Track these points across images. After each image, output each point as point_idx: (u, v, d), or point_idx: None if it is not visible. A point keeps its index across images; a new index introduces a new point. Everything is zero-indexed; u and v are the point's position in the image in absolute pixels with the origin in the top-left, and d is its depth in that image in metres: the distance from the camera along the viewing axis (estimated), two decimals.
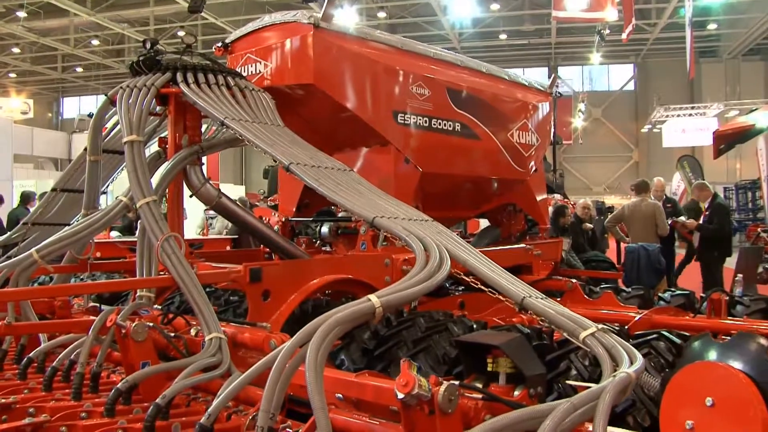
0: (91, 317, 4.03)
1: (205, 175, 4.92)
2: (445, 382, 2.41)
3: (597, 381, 3.23)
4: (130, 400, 3.35)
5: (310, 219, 6.26)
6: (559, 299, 6.59)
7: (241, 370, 3.44)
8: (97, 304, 5.26)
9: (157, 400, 3.05)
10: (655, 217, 10.37)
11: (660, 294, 7.02)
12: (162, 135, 5.14)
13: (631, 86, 47.27)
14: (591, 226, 12.21)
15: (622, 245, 11.62)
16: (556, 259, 7.98)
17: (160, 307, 4.50)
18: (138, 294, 4.16)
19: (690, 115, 36.50)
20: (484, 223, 9.87)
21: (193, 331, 3.94)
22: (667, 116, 37.18)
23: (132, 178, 4.19)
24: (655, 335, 3.87)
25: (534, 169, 7.72)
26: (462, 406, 2.46)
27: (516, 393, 2.80)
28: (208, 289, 4.53)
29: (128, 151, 4.26)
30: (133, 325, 3.56)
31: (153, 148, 5.14)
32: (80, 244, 4.79)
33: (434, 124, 6.18)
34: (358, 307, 2.66)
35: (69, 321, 4.29)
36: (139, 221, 14.73)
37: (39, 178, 32.29)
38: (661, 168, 36.37)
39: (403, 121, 5.89)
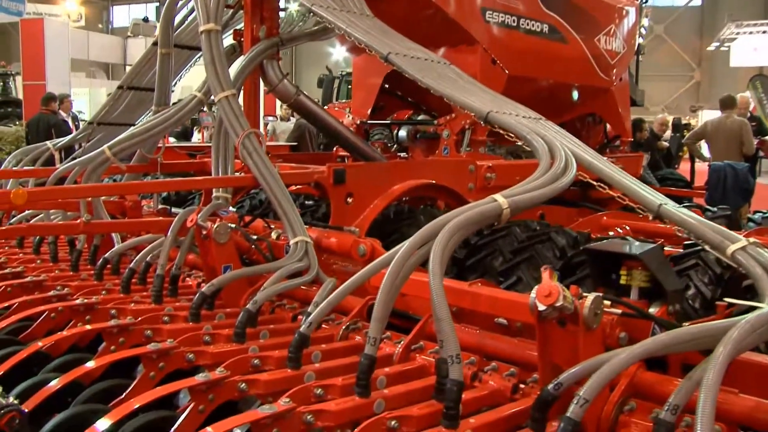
0: (169, 218, 3.80)
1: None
2: (588, 294, 2.11)
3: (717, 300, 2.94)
4: (213, 306, 3.13)
5: (386, 122, 5.92)
6: (641, 216, 6.23)
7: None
8: (168, 207, 5.06)
9: (248, 306, 2.83)
10: (741, 135, 9.76)
11: (749, 215, 6.62)
12: (237, 27, 4.80)
13: (697, 1, 45.10)
14: (667, 144, 11.64)
15: (699, 164, 11.07)
16: (636, 174, 7.55)
17: (234, 209, 4.26)
18: (214, 195, 3.88)
19: (764, 32, 34.61)
20: None
21: (273, 235, 3.69)
22: (737, 33, 35.36)
23: (209, 70, 3.88)
24: None
25: (619, 78, 7.24)
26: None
27: (652, 310, 2.49)
28: None
29: (205, 41, 3.94)
30: (215, 226, 3.32)
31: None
32: (152, 142, 4.57)
33: (522, 25, 5.73)
34: (483, 207, 2.35)
35: (147, 221, 4.09)
36: (195, 128, 14.56)
37: (92, 86, 32.34)
38: (726, 89, 34.57)
39: (491, 19, 5.45)
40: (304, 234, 3.39)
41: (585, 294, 2.11)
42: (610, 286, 2.63)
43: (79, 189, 3.71)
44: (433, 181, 4.66)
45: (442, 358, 2.17)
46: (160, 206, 5.02)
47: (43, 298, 3.26)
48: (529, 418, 2.04)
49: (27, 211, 4.44)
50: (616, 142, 7.83)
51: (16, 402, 2.25)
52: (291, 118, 16.12)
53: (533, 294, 2.09)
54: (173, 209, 4.96)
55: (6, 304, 3.26)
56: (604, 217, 5.52)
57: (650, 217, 2.79)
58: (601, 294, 2.12)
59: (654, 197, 2.74)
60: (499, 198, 2.39)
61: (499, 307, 2.50)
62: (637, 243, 2.70)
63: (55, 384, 2.38)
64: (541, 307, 2.03)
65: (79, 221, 3.55)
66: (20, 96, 22.47)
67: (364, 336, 2.91)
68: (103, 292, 3.44)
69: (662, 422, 1.76)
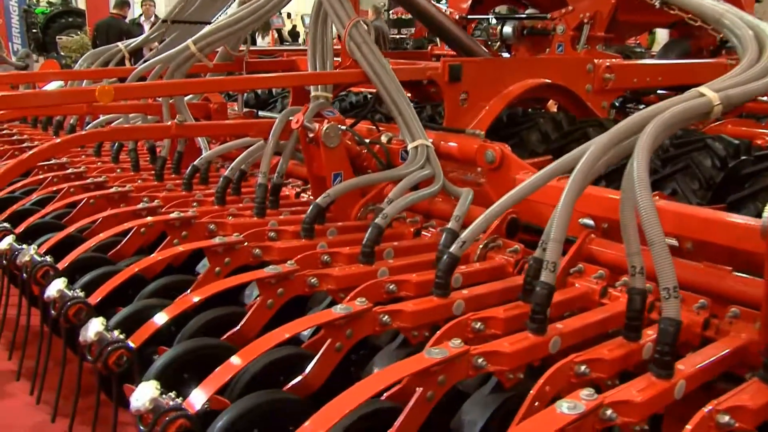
0: (268, 119, 3.36)
1: None
2: None
3: None
4: (324, 219, 2.72)
5: (488, 17, 5.34)
6: (763, 124, 5.60)
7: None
8: (254, 110, 4.64)
9: (376, 221, 2.40)
10: None
11: None
12: None
13: None
14: None
15: None
16: None
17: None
18: (313, 94, 3.40)
19: None
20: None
21: (384, 138, 3.23)
22: None
23: None
24: None
25: None
26: None
27: None
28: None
29: None
30: (324, 127, 2.88)
31: None
32: (237, 37, 4.11)
33: None
34: (689, 102, 1.85)
35: (247, 122, 3.68)
36: (258, 33, 13.88)
37: None
38: None
39: None
40: (425, 137, 2.93)
41: None
42: None
43: (168, 85, 3.30)
44: (549, 81, 4.13)
45: (635, 288, 1.76)
46: (245, 109, 4.61)
47: (132, 212, 2.88)
48: (762, 367, 1.62)
49: (102, 117, 4.08)
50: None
51: (122, 337, 1.88)
52: None
53: None
54: (260, 113, 4.56)
55: (91, 219, 2.89)
56: (729, 125, 4.92)
57: None
58: None
59: None
60: (707, 91, 1.89)
61: (694, 227, 2.03)
62: None
63: (162, 319, 2.00)
64: None
65: (170, 123, 3.14)
66: (80, 6, 22.11)
67: (505, 254, 2.49)
68: (194, 204, 3.06)
69: None
